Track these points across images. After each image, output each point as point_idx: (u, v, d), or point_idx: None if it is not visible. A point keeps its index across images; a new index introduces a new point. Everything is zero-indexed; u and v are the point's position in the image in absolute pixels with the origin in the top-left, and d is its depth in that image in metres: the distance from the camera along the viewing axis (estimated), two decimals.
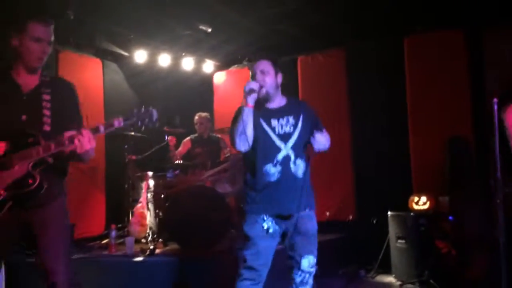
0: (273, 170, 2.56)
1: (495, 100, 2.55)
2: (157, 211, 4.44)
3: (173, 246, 4.38)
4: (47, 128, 2.21)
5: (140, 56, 5.69)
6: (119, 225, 4.81)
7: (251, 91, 2.53)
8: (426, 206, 4.37)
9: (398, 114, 5.09)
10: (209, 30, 4.97)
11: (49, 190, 2.19)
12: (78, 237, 4.79)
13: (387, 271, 4.54)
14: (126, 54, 5.77)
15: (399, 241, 4.38)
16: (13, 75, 2.27)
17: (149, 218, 4.43)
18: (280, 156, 2.57)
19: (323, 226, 5.31)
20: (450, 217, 4.24)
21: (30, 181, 2.12)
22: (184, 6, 4.54)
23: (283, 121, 2.61)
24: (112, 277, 3.72)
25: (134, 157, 4.91)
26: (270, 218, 2.56)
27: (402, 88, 5.10)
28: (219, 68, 6.58)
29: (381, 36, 5.25)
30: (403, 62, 5.12)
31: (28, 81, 2.27)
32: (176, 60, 6.06)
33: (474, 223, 3.85)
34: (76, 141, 2.07)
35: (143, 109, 2.18)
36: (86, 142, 2.08)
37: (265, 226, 2.54)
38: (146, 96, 6.28)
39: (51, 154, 2.13)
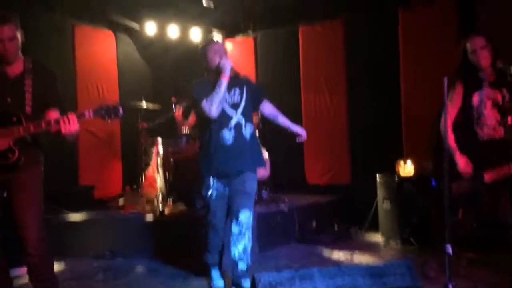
0: (228, 135, 3.07)
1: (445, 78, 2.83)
2: (166, 174, 4.92)
3: (180, 206, 4.89)
4: (28, 109, 2.59)
5: (150, 28, 6.05)
6: (134, 187, 5.35)
7: (230, 68, 3.03)
8: (410, 171, 4.71)
9: (392, 81, 5.36)
10: (212, 7, 5.25)
11: (25, 161, 2.61)
12: (98, 198, 5.38)
13: (376, 230, 4.97)
14: (137, 26, 6.13)
15: (385, 201, 4.78)
16: (2, 65, 2.64)
17: (159, 181, 4.92)
18: (233, 123, 3.09)
19: (321, 189, 5.83)
20: (433, 182, 4.58)
21: (10, 155, 2.54)
22: None
23: (232, 93, 3.14)
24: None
25: (145, 125, 5.35)
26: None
27: (395, 56, 5.34)
28: (225, 37, 6.86)
29: (377, 7, 5.45)
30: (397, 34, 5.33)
31: (13, 69, 2.65)
32: (185, 31, 6.37)
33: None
34: (61, 123, 2.48)
35: (111, 105, 2.56)
36: (72, 124, 2.49)
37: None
38: (156, 68, 6.63)
39: (29, 134, 2.54)
